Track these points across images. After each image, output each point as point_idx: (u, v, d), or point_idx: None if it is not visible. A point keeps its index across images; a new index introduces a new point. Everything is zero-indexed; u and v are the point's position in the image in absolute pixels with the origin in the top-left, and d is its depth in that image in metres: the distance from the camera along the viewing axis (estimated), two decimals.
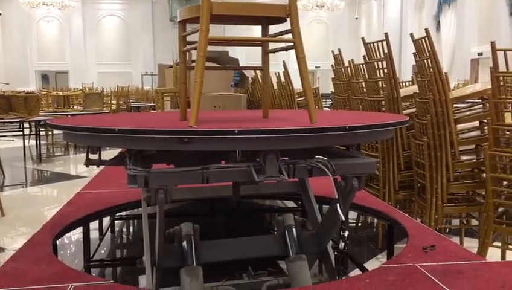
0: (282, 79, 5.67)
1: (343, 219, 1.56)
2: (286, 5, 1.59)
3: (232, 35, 1.95)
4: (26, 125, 8.49)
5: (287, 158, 1.52)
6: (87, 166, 1.75)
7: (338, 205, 1.57)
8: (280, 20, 1.66)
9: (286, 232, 1.89)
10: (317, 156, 1.51)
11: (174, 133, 1.33)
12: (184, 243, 1.75)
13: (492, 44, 2.58)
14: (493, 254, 2.62)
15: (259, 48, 1.92)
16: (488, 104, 2.76)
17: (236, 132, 1.28)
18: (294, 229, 1.89)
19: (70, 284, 1.51)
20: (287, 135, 1.37)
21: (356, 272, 2.52)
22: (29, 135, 9.00)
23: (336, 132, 1.40)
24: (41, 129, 8.37)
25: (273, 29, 1.78)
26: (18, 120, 7.66)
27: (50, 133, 10.01)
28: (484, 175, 2.69)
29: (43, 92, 13.19)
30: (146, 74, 26.25)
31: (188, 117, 1.83)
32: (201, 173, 1.43)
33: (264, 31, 1.84)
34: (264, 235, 2.10)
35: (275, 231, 1.97)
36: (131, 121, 1.83)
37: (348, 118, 1.90)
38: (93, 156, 1.70)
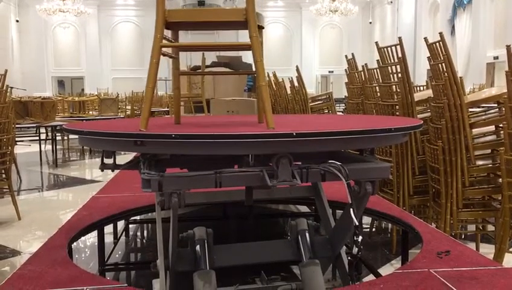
0: (296, 84, 5.67)
1: (357, 223, 1.55)
2: (243, 9, 1.56)
3: (244, 40, 1.93)
4: (42, 130, 8.61)
5: (300, 163, 1.52)
6: (102, 170, 1.78)
7: (351, 209, 1.56)
8: (242, 24, 1.62)
9: (299, 237, 1.88)
10: (330, 161, 1.51)
11: (127, 136, 1.38)
12: (197, 247, 1.75)
13: (508, 47, 2.55)
14: (510, 260, 2.58)
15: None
16: (503, 108, 2.73)
17: (173, 136, 1.33)
18: (307, 234, 1.88)
19: (85, 288, 1.53)
20: (230, 141, 1.35)
21: (370, 277, 2.50)
22: (46, 139, 9.12)
23: (285, 138, 1.34)
24: (57, 134, 8.48)
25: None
26: (34, 125, 7.79)
27: (66, 138, 10.14)
28: (500, 180, 2.65)
29: (59, 98, 13.41)
30: (160, 79, 26.38)
31: (181, 121, 1.91)
32: (214, 177, 1.44)
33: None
34: (277, 239, 2.10)
35: (288, 236, 1.97)
36: (128, 125, 1.85)
37: (345, 123, 1.89)
38: (108, 161, 1.72)
